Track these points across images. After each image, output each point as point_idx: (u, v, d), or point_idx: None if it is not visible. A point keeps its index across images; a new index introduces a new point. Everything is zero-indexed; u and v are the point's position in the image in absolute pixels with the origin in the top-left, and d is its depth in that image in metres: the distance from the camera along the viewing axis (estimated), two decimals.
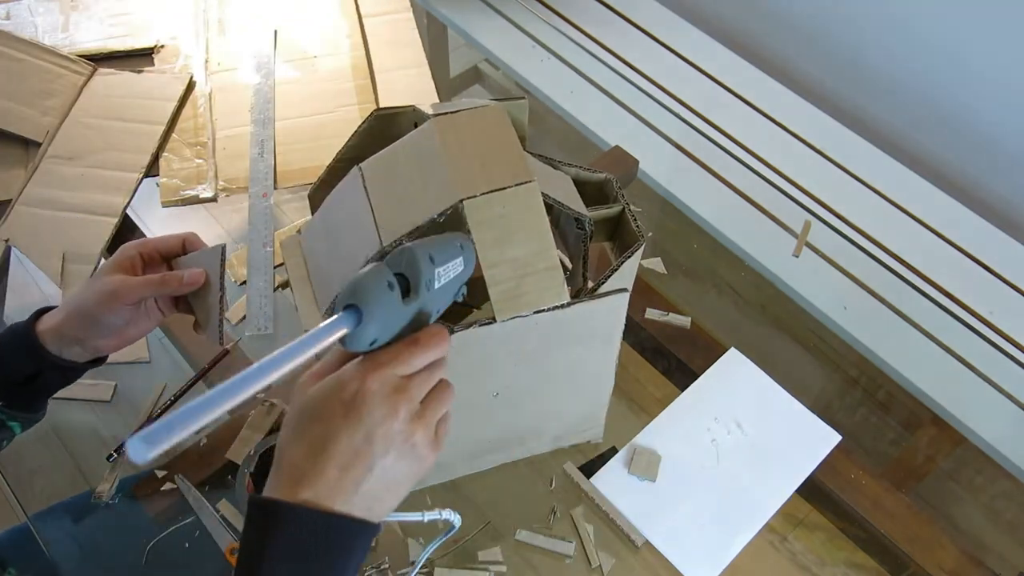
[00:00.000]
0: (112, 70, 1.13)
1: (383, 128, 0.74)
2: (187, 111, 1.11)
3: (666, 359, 0.91)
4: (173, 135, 1.08)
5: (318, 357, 0.50)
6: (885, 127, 1.15)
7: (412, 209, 0.65)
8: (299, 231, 0.74)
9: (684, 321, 0.93)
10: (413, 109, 0.72)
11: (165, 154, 1.06)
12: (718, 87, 1.17)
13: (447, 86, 1.28)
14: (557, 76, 1.18)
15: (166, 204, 1.02)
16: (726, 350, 0.92)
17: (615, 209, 0.75)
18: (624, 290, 0.69)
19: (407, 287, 0.52)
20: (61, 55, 1.11)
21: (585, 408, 0.83)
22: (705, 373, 0.89)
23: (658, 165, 1.07)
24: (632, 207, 0.75)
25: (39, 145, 1.04)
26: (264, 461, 0.74)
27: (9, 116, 1.05)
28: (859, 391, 0.92)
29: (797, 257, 1.00)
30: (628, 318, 0.93)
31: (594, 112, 1.14)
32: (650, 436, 0.85)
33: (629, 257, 0.70)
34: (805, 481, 0.83)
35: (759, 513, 0.81)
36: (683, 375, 0.90)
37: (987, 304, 0.96)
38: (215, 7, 1.23)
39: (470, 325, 0.65)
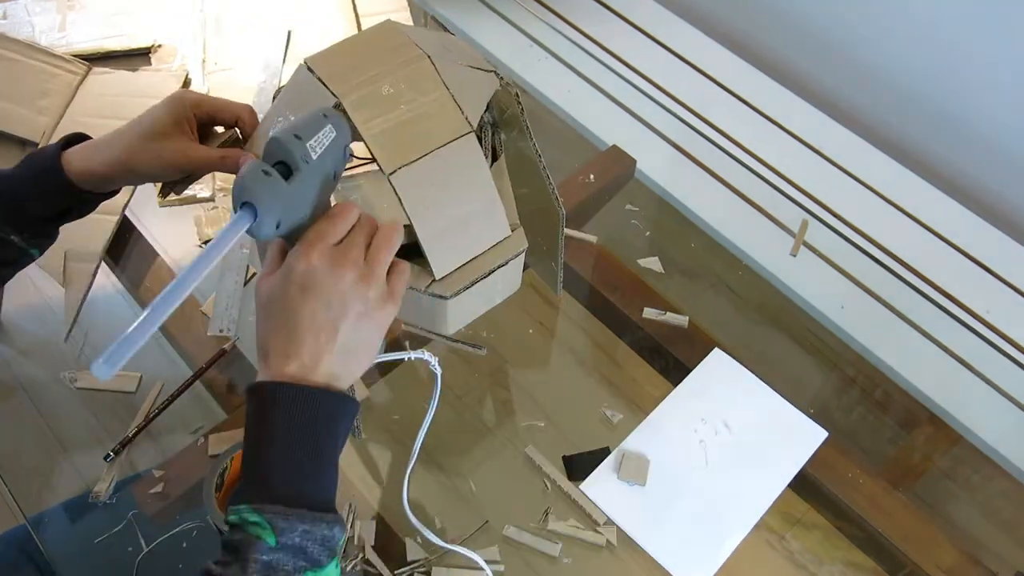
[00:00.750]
0: (107, 69, 1.12)
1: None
2: None
3: (663, 358, 0.91)
4: None
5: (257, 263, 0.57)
6: (883, 126, 1.15)
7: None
8: None
9: (681, 320, 0.93)
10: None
11: None
12: (716, 86, 1.17)
13: None
14: (554, 75, 1.18)
15: (163, 204, 1.02)
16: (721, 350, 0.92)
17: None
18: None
19: (288, 171, 0.57)
20: (55, 55, 1.11)
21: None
22: (690, 375, 0.89)
23: (656, 164, 1.07)
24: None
25: (36, 145, 1.04)
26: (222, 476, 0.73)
27: (5, 117, 1.04)
28: (856, 390, 0.92)
29: (795, 256, 1.00)
30: (625, 317, 0.94)
31: (592, 111, 1.14)
32: (638, 440, 0.85)
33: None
34: (797, 478, 0.83)
35: (749, 513, 0.81)
36: (680, 374, 0.90)
37: (984, 303, 0.96)
38: (212, 7, 1.23)
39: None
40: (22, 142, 1.05)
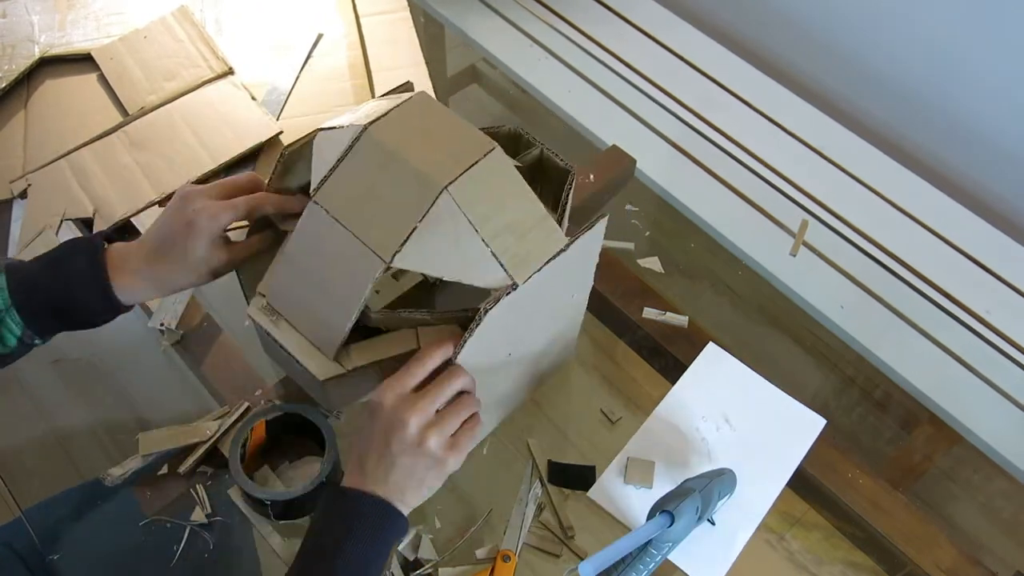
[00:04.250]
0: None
1: (296, 165, 0.74)
2: None
3: (663, 358, 0.91)
4: None
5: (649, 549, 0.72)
6: (883, 126, 1.15)
7: (397, 217, 0.65)
8: (258, 296, 0.73)
9: (681, 320, 0.93)
10: (319, 130, 0.71)
11: None
12: (715, 86, 1.17)
13: (444, 85, 1.28)
14: (554, 75, 1.18)
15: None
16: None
17: (535, 152, 0.76)
18: (604, 214, 0.72)
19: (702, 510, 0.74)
20: (215, 51, 1.14)
21: (569, 332, 0.86)
22: (687, 371, 0.90)
23: (655, 164, 1.07)
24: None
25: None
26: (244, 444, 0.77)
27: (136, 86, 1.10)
28: (856, 390, 0.92)
29: (794, 256, 1.00)
30: (625, 318, 0.94)
31: (591, 111, 1.14)
32: (641, 441, 0.85)
33: (571, 189, 0.75)
34: (798, 478, 0.83)
35: (757, 507, 0.81)
36: (680, 374, 0.89)
37: (984, 303, 0.96)
38: (211, 7, 1.23)
39: (497, 300, 0.66)
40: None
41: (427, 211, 0.64)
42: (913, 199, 1.05)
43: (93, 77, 1.13)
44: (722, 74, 1.18)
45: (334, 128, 0.69)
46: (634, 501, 0.81)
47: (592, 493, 0.81)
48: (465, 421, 0.69)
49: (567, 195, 0.74)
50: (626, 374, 0.90)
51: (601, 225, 0.72)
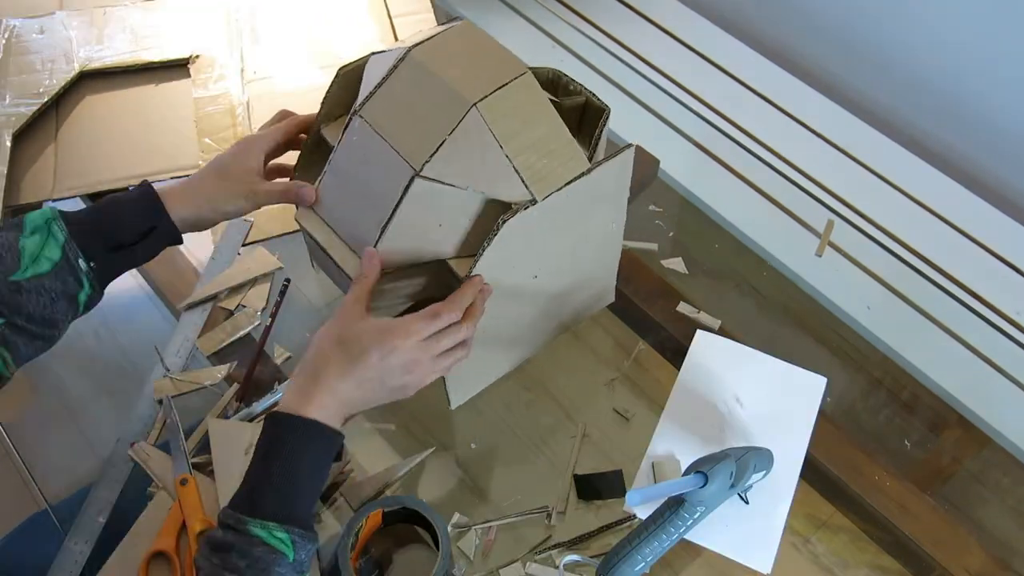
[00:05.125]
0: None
1: (351, 84, 0.80)
2: (225, 120, 1.11)
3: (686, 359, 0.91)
4: (211, 144, 1.08)
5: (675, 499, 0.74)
6: (909, 125, 1.13)
7: (430, 130, 0.70)
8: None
9: (714, 323, 0.93)
10: (372, 54, 0.78)
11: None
12: (739, 85, 1.16)
13: None
14: (576, 75, 1.16)
15: None
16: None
17: (580, 99, 0.81)
18: (631, 145, 0.76)
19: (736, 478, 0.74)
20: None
21: (602, 272, 0.89)
22: (683, 365, 0.90)
23: (679, 165, 1.07)
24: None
25: None
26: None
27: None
28: (883, 392, 0.91)
29: (820, 257, 0.99)
30: (648, 318, 0.94)
31: (614, 111, 1.11)
32: (662, 441, 0.85)
33: (604, 126, 0.80)
34: (823, 473, 0.82)
35: (786, 480, 0.82)
36: None
37: (1014, 304, 0.95)
38: (247, 16, 1.24)
39: (515, 212, 0.70)
40: None
41: (456, 125, 0.69)
42: (941, 198, 1.04)
43: (132, 91, 1.14)
44: (746, 73, 1.17)
45: (384, 52, 0.77)
46: None
47: (628, 505, 0.81)
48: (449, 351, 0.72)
49: (600, 131, 0.79)
50: (649, 375, 0.90)
51: (628, 155, 0.76)
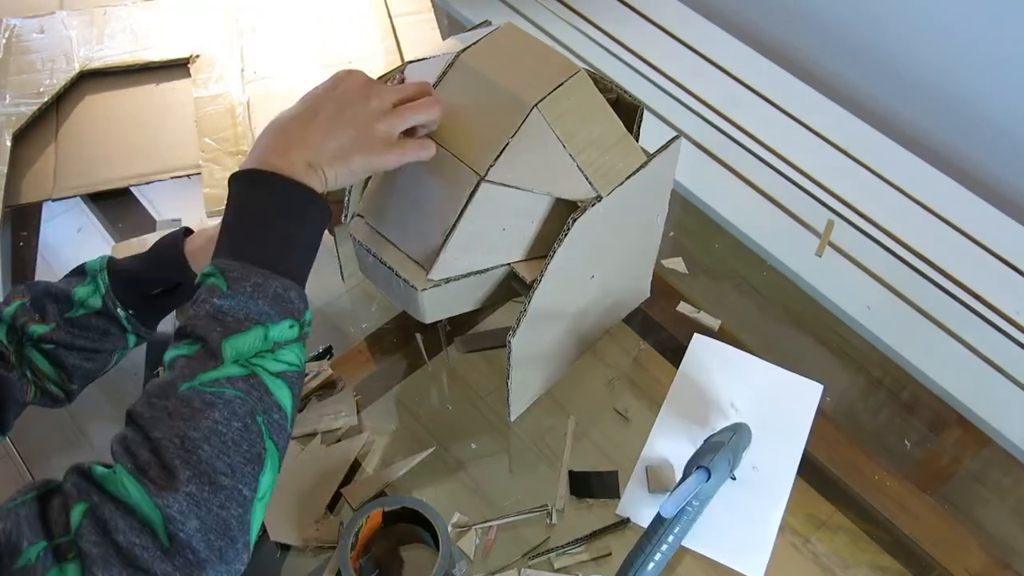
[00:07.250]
0: None
1: None
2: (225, 120, 1.11)
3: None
4: (211, 143, 1.08)
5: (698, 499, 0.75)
6: (909, 125, 1.13)
7: (490, 134, 0.70)
8: (357, 218, 0.78)
9: (714, 323, 0.93)
10: (407, 63, 0.79)
11: (207, 164, 1.06)
12: (739, 85, 1.16)
13: None
14: None
15: (211, 214, 1.01)
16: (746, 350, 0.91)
17: (612, 96, 0.80)
18: (678, 136, 0.77)
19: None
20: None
21: (643, 268, 0.90)
22: (680, 367, 0.90)
23: (679, 164, 1.06)
24: None
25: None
26: None
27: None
28: (883, 392, 0.91)
29: (820, 257, 0.99)
30: (649, 318, 0.94)
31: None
32: (657, 446, 0.85)
33: (640, 122, 0.79)
34: (823, 473, 0.82)
35: (780, 486, 0.82)
36: None
37: (1015, 304, 0.95)
38: (248, 15, 1.23)
39: (584, 210, 0.70)
40: None
41: (518, 128, 0.69)
42: (941, 198, 1.04)
43: (132, 91, 1.14)
44: (746, 73, 1.17)
45: (422, 60, 0.77)
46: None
47: (621, 509, 0.81)
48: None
49: (637, 127, 0.80)
50: (650, 375, 0.90)
51: (677, 145, 0.77)
